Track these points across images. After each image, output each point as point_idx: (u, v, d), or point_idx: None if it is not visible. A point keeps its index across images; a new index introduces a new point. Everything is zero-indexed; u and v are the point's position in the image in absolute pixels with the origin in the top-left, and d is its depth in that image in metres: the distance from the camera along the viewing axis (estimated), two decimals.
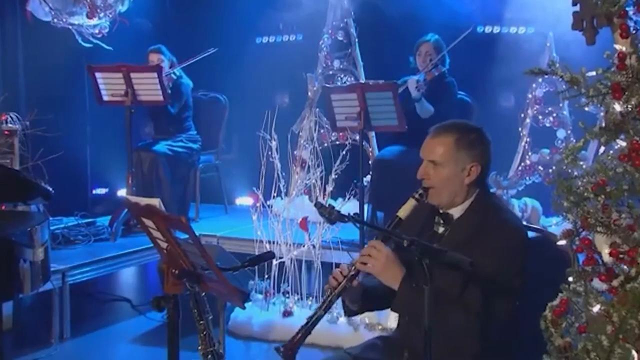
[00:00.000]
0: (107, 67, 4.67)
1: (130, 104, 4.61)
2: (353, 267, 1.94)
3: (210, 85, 5.60)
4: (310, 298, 3.97)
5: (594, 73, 1.64)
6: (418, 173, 2.04)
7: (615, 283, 1.63)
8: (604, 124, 1.61)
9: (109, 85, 4.65)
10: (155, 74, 4.61)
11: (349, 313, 2.12)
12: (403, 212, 1.98)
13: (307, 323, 1.92)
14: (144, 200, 2.32)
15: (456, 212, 2.03)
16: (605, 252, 1.65)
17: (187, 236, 1.78)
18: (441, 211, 2.05)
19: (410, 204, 1.99)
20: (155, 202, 2.30)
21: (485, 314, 1.87)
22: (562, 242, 1.72)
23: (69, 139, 4.93)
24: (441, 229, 2.04)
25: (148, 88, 4.63)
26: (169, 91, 4.93)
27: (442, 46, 4.49)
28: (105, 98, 4.70)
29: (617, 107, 1.59)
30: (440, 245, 1.96)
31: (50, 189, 3.27)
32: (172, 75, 5.05)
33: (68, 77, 5.51)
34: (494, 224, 1.96)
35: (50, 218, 3.56)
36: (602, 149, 1.66)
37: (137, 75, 4.61)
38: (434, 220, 2.06)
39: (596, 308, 1.62)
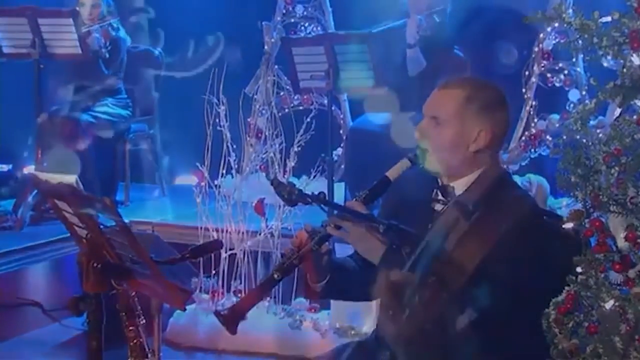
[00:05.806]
0: (7, 10, 4.60)
1: (38, 57, 4.54)
2: (324, 229, 1.96)
3: (141, 36, 5.51)
4: (268, 298, 3.99)
5: (609, 19, 1.66)
6: (416, 131, 2.06)
7: (631, 273, 1.68)
8: (620, 81, 1.64)
9: (11, 33, 4.60)
10: (70, 20, 4.54)
11: (307, 293, 2.13)
12: (393, 172, 2.02)
13: (258, 286, 1.93)
14: (56, 178, 2.30)
15: (459, 186, 2.04)
16: (621, 236, 1.69)
17: (113, 223, 1.76)
18: (440, 183, 2.07)
19: (403, 165, 2.03)
20: (72, 179, 2.28)
21: (484, 310, 1.88)
22: (569, 225, 1.76)
23: None
24: (439, 206, 2.06)
25: (62, 38, 4.57)
26: (106, 51, 4.82)
27: None
28: (6, 50, 4.65)
29: (636, 60, 1.62)
30: (436, 226, 1.99)
31: None
32: (110, 30, 4.94)
33: None
34: (503, 202, 1.98)
35: None
36: (618, 111, 1.69)
37: (47, 21, 4.54)
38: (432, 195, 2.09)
39: (609, 304, 1.67)
